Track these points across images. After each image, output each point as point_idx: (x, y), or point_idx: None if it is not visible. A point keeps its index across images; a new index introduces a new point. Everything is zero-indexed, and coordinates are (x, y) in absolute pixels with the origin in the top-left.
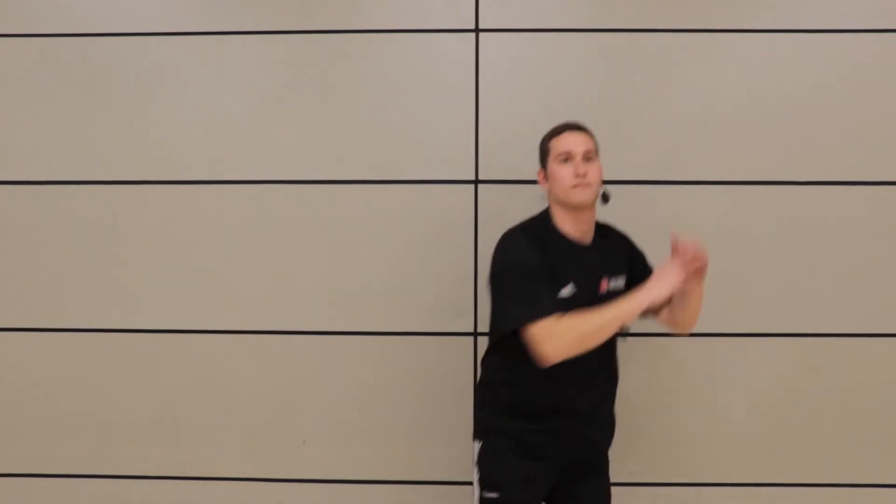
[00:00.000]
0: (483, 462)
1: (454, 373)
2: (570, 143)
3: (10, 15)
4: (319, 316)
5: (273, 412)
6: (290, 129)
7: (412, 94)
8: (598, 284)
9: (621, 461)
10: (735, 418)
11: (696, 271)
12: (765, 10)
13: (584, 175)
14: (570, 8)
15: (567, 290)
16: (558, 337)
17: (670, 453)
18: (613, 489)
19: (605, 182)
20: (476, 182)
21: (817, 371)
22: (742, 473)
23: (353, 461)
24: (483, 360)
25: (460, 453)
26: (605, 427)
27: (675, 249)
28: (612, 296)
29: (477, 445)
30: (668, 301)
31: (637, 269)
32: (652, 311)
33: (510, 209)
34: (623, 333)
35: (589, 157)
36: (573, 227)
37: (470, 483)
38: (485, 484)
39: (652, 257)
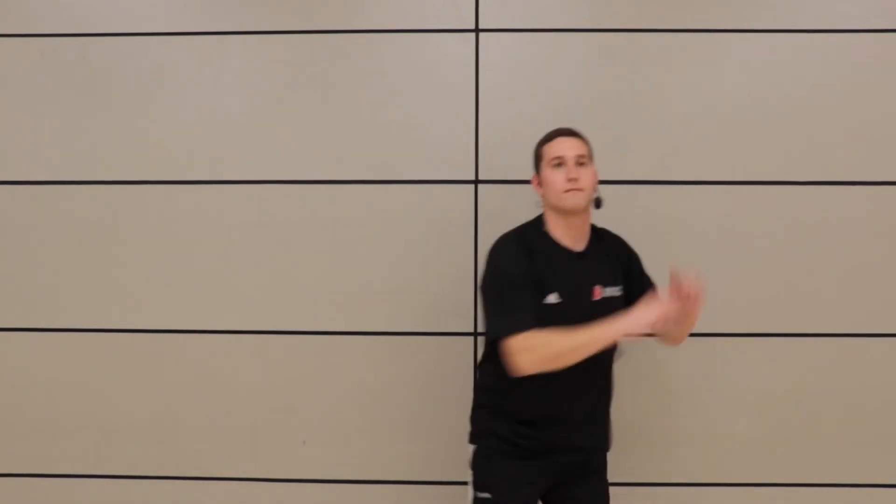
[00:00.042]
0: (477, 464)
1: (454, 373)
2: (563, 147)
3: (10, 15)
4: (319, 316)
5: (273, 412)
6: (290, 129)
7: (412, 94)
8: (589, 292)
9: (621, 461)
10: (735, 418)
11: (691, 307)
12: (765, 10)
13: (576, 179)
14: (570, 8)
15: (553, 298)
16: (531, 351)
17: (670, 453)
18: (613, 489)
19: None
20: (476, 182)
21: (817, 371)
22: (742, 473)
23: (353, 461)
24: (479, 364)
25: (460, 453)
26: (598, 434)
27: (673, 285)
28: (608, 303)
29: (471, 448)
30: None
31: (634, 277)
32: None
33: (510, 209)
34: (616, 353)
35: (581, 161)
36: (566, 233)
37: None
38: (478, 485)
39: (652, 258)
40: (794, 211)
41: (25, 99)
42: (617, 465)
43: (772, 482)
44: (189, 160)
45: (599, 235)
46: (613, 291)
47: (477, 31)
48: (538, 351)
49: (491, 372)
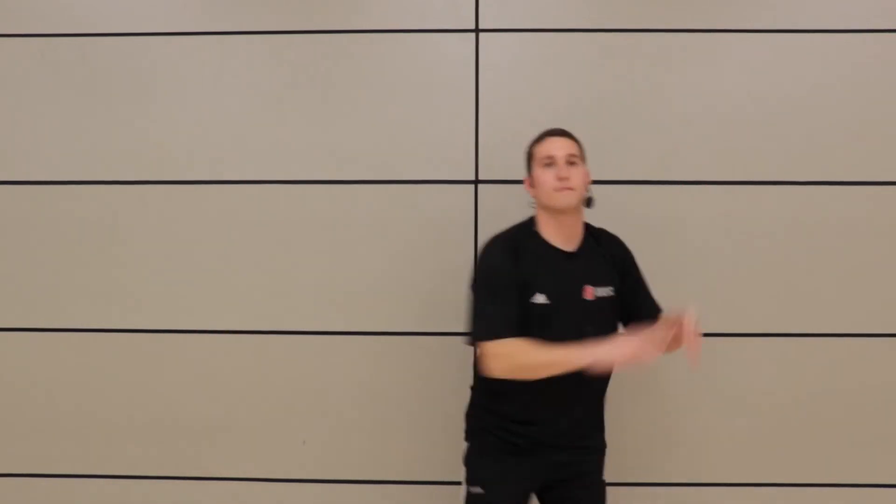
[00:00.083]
0: (470, 460)
1: (454, 373)
2: (553, 147)
3: (10, 15)
4: (319, 316)
5: (273, 412)
6: (290, 129)
7: (412, 94)
8: (579, 291)
9: (621, 461)
10: (735, 418)
11: (689, 346)
12: (765, 10)
13: (567, 178)
14: (570, 8)
15: (541, 298)
16: (504, 358)
17: (670, 453)
18: (613, 489)
19: (606, 182)
20: (476, 182)
21: (817, 371)
22: (742, 473)
23: (353, 461)
24: (475, 363)
25: (460, 453)
26: (593, 435)
27: (671, 323)
28: (601, 303)
29: (465, 445)
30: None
31: (630, 279)
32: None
33: (510, 209)
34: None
35: (572, 161)
36: (557, 232)
37: None
38: (471, 480)
39: (652, 258)
40: (794, 211)
41: (25, 99)
42: (617, 465)
43: (772, 482)
44: (189, 160)
45: (595, 235)
46: (607, 292)
47: (477, 31)
48: (510, 359)
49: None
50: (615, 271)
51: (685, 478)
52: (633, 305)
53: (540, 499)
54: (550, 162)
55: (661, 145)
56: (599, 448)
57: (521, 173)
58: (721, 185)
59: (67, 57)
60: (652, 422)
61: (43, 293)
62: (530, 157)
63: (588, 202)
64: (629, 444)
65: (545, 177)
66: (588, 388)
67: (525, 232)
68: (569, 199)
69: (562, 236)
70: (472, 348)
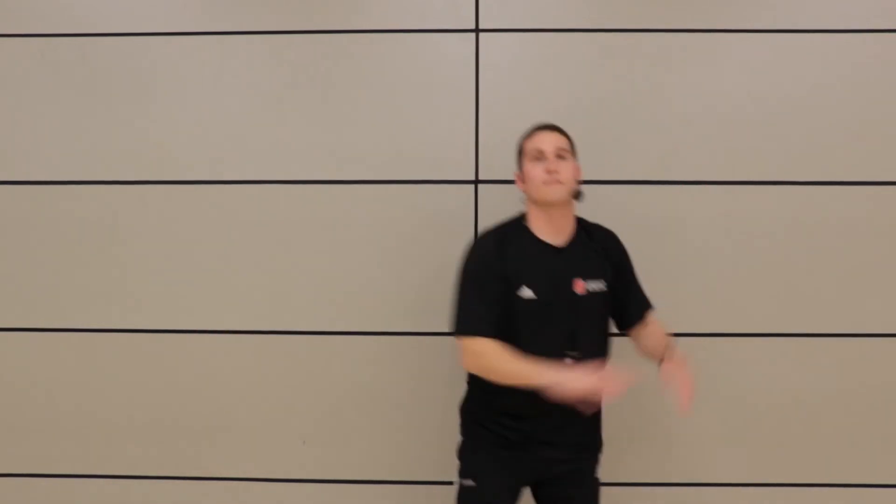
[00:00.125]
0: (463, 453)
1: (455, 373)
2: (542, 141)
3: (10, 15)
4: (319, 316)
5: (273, 412)
6: (290, 129)
7: (412, 94)
8: (568, 285)
9: (621, 461)
10: (735, 418)
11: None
12: (765, 10)
13: (556, 172)
14: (570, 8)
15: (527, 292)
16: (476, 357)
17: (670, 453)
18: (613, 489)
19: (606, 182)
20: (476, 182)
21: (817, 371)
22: (742, 473)
23: (353, 461)
24: None
25: None
26: (586, 433)
27: (668, 375)
28: (593, 297)
29: (459, 440)
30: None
31: (624, 276)
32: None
33: (510, 209)
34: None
35: (561, 155)
36: (546, 227)
37: None
38: (463, 473)
39: (652, 257)
40: (794, 211)
41: (25, 99)
42: (617, 466)
43: (772, 482)
44: (189, 160)
45: (588, 230)
46: (599, 286)
47: (477, 31)
48: (480, 359)
49: None
50: (608, 265)
51: (685, 478)
52: (625, 301)
53: (534, 495)
54: (540, 156)
55: (661, 145)
56: (594, 446)
57: None
58: (721, 185)
59: (67, 57)
60: (651, 422)
61: (43, 293)
62: (521, 153)
63: (577, 195)
64: (629, 444)
65: (535, 171)
66: None
67: (514, 227)
68: (558, 192)
69: (551, 230)
70: None
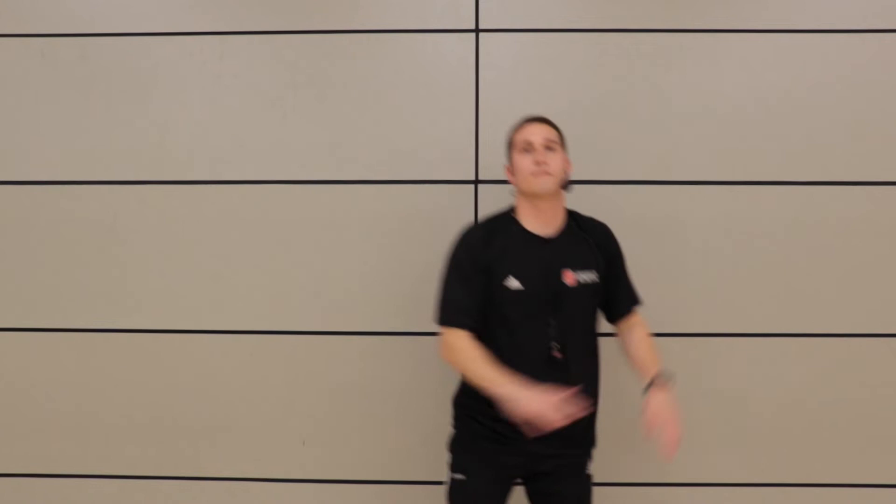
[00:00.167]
0: (454, 447)
1: (455, 373)
2: (531, 133)
3: (10, 15)
4: (319, 316)
5: (273, 412)
6: (290, 129)
7: (412, 94)
8: (558, 276)
9: (621, 461)
10: (734, 418)
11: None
12: (765, 10)
13: (545, 163)
14: (570, 8)
15: (514, 283)
16: (449, 349)
17: None
18: (611, 489)
19: (606, 182)
20: (476, 182)
21: (817, 371)
22: (742, 473)
23: (353, 461)
24: None
25: None
26: (578, 429)
27: (651, 424)
28: (584, 288)
29: (451, 433)
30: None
31: (616, 269)
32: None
33: None
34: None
35: (550, 146)
36: (535, 218)
37: None
38: (454, 467)
39: (651, 258)
40: (794, 211)
41: (25, 99)
42: (616, 465)
43: (772, 482)
44: (189, 160)
45: (579, 222)
46: (590, 277)
47: (477, 31)
48: (450, 352)
49: None
50: (601, 257)
51: (685, 478)
52: (614, 292)
53: (525, 490)
54: (529, 147)
55: (660, 145)
56: (587, 442)
57: None
58: (721, 185)
59: (67, 57)
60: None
61: (43, 293)
62: (510, 145)
63: (566, 186)
64: (629, 444)
65: (523, 162)
66: (574, 382)
67: (503, 219)
68: (546, 183)
69: (540, 222)
70: None
